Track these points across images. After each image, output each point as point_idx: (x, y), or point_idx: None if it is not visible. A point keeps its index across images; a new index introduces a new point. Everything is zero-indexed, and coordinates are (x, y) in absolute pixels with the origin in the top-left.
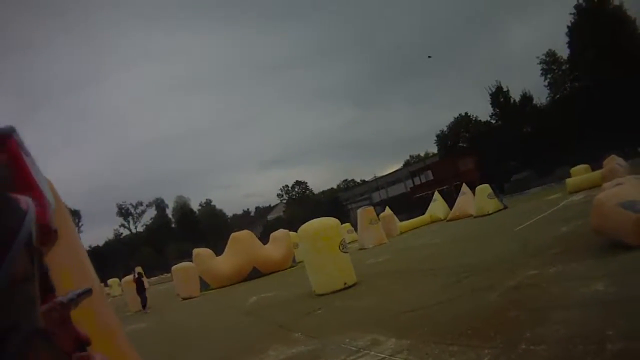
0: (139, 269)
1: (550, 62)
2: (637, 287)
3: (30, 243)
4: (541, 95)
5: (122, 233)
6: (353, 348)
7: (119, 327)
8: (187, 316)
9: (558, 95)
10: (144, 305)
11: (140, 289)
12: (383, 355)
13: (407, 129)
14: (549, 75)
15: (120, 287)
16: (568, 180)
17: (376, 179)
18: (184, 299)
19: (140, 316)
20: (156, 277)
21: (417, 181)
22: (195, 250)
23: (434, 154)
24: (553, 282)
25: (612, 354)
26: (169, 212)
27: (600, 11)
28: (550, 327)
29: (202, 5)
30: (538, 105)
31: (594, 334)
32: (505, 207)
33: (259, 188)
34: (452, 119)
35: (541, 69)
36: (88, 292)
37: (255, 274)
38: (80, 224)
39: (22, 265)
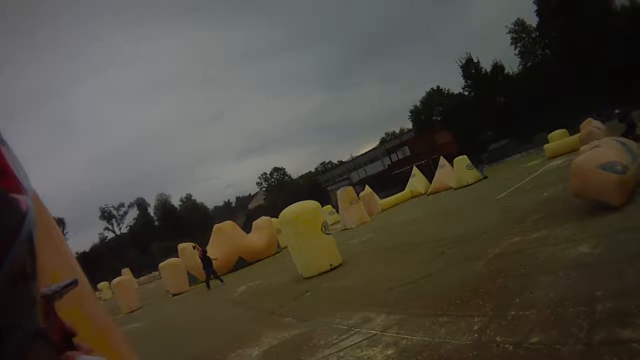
0: (195, 245)
1: (519, 31)
2: (623, 247)
3: (30, 243)
4: (513, 65)
5: (107, 236)
6: (344, 327)
7: (114, 326)
8: (179, 312)
9: (529, 63)
10: (216, 278)
11: (207, 265)
12: (374, 332)
13: (381, 107)
14: (519, 44)
15: (111, 290)
16: (546, 145)
17: (353, 159)
18: (174, 294)
19: (134, 316)
20: (145, 277)
21: (394, 158)
22: (181, 246)
23: (409, 130)
24: (537, 247)
25: (602, 314)
26: (151, 210)
27: None
28: (538, 292)
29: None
30: (510, 74)
31: (582, 296)
32: (485, 177)
33: (238, 178)
34: (424, 94)
35: (511, 38)
36: (73, 283)
37: (241, 263)
38: (65, 231)
39: (23, 266)
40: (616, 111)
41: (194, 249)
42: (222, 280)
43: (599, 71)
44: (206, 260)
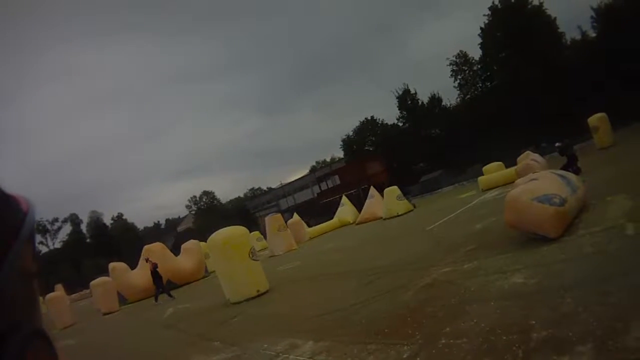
0: (147, 257)
1: (460, 63)
2: (559, 277)
3: (31, 242)
4: (451, 97)
5: (40, 250)
6: (272, 353)
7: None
8: (110, 331)
9: (469, 96)
10: (160, 294)
11: (157, 279)
12: (303, 358)
13: (313, 135)
14: (459, 76)
15: (45, 304)
16: (480, 178)
17: (283, 186)
18: (105, 314)
19: (66, 333)
20: (77, 294)
21: (324, 186)
22: (111, 265)
23: (340, 159)
24: (469, 277)
25: (537, 341)
26: (83, 227)
27: (517, 11)
28: (470, 321)
29: (107, 16)
30: (448, 106)
31: (516, 325)
32: (414, 207)
33: (168, 200)
34: (358, 124)
35: (451, 71)
36: None
37: (169, 285)
38: None
39: (23, 265)
40: (557, 144)
41: (147, 261)
42: (171, 296)
43: (543, 104)
44: (156, 275)
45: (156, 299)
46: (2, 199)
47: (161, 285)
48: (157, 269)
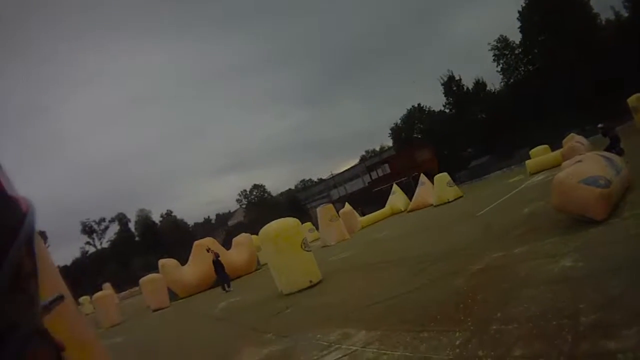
0: (209, 248)
1: (502, 48)
2: (606, 260)
3: (30, 243)
4: (495, 81)
5: (88, 251)
6: (325, 343)
7: (96, 339)
8: (160, 327)
9: (512, 80)
10: (228, 284)
11: (219, 269)
12: (355, 348)
13: (361, 125)
14: (501, 61)
15: (92, 304)
16: (528, 161)
17: (333, 177)
18: (155, 310)
19: (114, 331)
20: (125, 292)
21: (374, 175)
22: (161, 262)
23: (389, 148)
24: (519, 262)
25: (586, 326)
26: (131, 225)
27: None
28: (520, 306)
29: (146, 17)
30: (492, 90)
31: (566, 309)
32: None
33: (218, 195)
34: (405, 112)
35: (493, 55)
36: (59, 298)
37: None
38: (47, 245)
39: (22, 266)
40: (599, 125)
41: (208, 251)
42: (229, 287)
43: (583, 86)
44: (218, 264)
45: (223, 288)
46: (1, 200)
47: (223, 274)
48: (219, 259)
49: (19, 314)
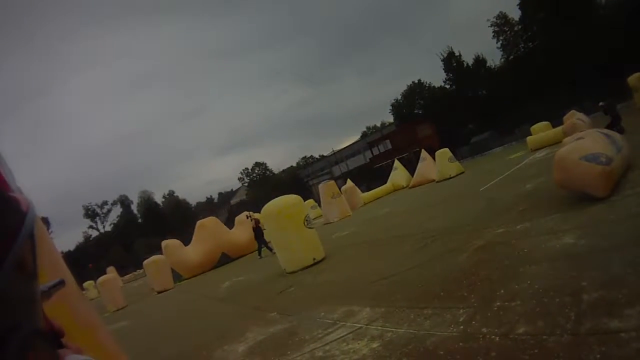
0: (249, 214)
1: (501, 25)
2: (607, 237)
3: (31, 242)
4: (495, 58)
5: (91, 235)
6: (329, 321)
7: (100, 322)
8: (164, 309)
9: (512, 57)
10: (271, 249)
11: (259, 235)
12: (359, 325)
13: (362, 101)
14: (501, 37)
15: (96, 288)
16: (529, 138)
17: (334, 153)
18: (159, 292)
19: (120, 315)
20: (129, 275)
21: (375, 151)
22: (164, 242)
23: (390, 124)
24: (522, 238)
25: (588, 304)
26: (134, 207)
27: None
28: (523, 283)
29: None
30: (492, 67)
31: (568, 286)
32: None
33: (219, 174)
34: (405, 88)
35: (493, 32)
36: (60, 283)
37: (224, 259)
38: (50, 230)
39: (24, 265)
40: (600, 103)
41: (248, 218)
42: (273, 251)
43: (582, 64)
44: (258, 231)
45: (259, 254)
46: (2, 200)
47: (263, 241)
48: (260, 225)
49: (20, 314)
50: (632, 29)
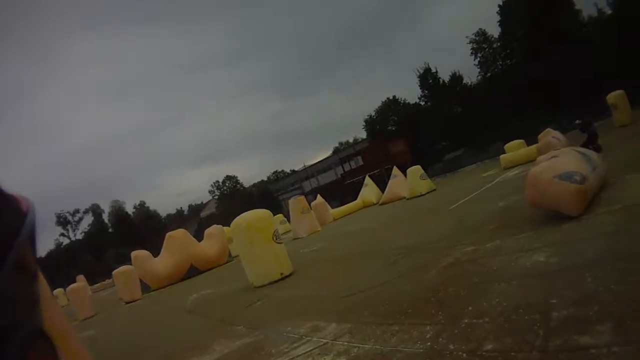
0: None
1: (480, 41)
2: (579, 255)
3: (32, 243)
4: (472, 75)
5: (62, 242)
6: (295, 336)
7: (73, 330)
8: (132, 319)
9: (489, 74)
10: None
11: None
12: (325, 340)
13: (335, 117)
14: (479, 55)
15: (66, 296)
16: (502, 156)
17: (306, 168)
18: (128, 302)
19: (88, 324)
20: (99, 284)
21: (347, 167)
22: (134, 253)
23: (363, 140)
24: (491, 256)
25: (558, 321)
26: (105, 217)
27: None
28: (492, 300)
29: (122, 5)
30: (469, 84)
31: (537, 304)
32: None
33: (190, 186)
34: (380, 104)
35: (471, 49)
36: None
37: (193, 271)
38: None
39: (24, 265)
40: (577, 121)
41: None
42: None
43: (561, 82)
44: None
45: None
46: (2, 199)
47: None
48: None
49: (21, 314)
50: (613, 47)
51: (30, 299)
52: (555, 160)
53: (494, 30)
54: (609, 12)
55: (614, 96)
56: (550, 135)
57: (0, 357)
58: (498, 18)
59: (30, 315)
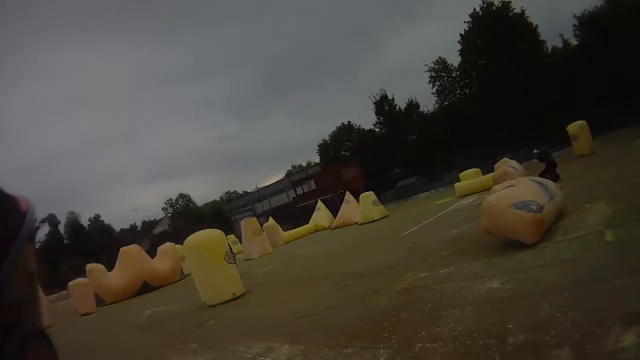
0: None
1: (439, 70)
2: (535, 282)
3: (31, 242)
4: (429, 103)
5: None
6: (249, 356)
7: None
8: (87, 333)
9: (446, 102)
10: None
11: None
12: None
13: (289, 140)
14: (437, 83)
15: None
16: (457, 184)
17: (258, 190)
18: (83, 315)
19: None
20: (54, 295)
21: (299, 191)
22: (89, 266)
23: (316, 164)
24: (445, 282)
25: (514, 346)
26: (61, 228)
27: (499, 19)
28: (446, 325)
29: (79, 17)
30: (425, 112)
31: (493, 329)
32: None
33: (144, 202)
34: (334, 129)
35: (430, 77)
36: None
37: (146, 287)
38: None
39: (24, 265)
40: (535, 150)
41: None
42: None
43: (520, 112)
44: None
45: None
46: (1, 199)
47: None
48: None
49: (20, 314)
50: (574, 78)
51: (30, 299)
52: (511, 189)
53: (454, 59)
54: (575, 42)
55: (576, 126)
56: (506, 164)
57: None
58: (459, 47)
59: (29, 316)
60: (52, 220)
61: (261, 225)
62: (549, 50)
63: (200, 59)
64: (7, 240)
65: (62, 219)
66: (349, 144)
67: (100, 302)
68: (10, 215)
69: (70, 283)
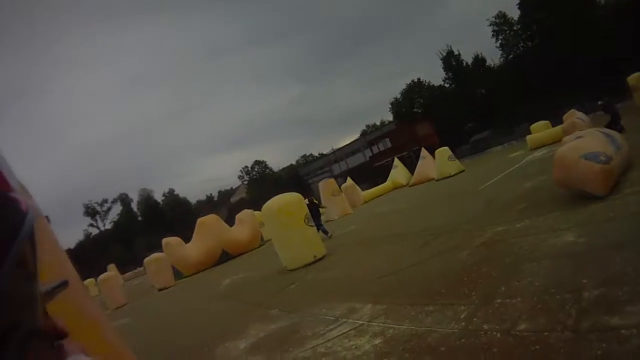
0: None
1: (500, 24)
2: (607, 235)
3: (31, 242)
4: (494, 57)
5: (91, 233)
6: (331, 318)
7: (105, 320)
8: (165, 307)
9: (511, 56)
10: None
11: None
12: (361, 322)
13: (361, 100)
14: (500, 37)
15: (97, 286)
16: (529, 137)
17: (334, 152)
18: (160, 289)
19: (120, 313)
20: (130, 273)
21: (375, 150)
22: (165, 240)
23: (390, 122)
24: (522, 236)
25: (589, 301)
26: (134, 206)
27: None
28: (524, 280)
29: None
30: (492, 66)
31: (568, 284)
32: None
33: (219, 172)
34: (405, 87)
35: (492, 31)
36: (64, 284)
37: (225, 257)
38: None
39: (24, 265)
40: (599, 102)
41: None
42: (328, 234)
43: (582, 64)
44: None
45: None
46: (2, 200)
47: (319, 221)
48: (315, 202)
49: (20, 314)
50: (630, 30)
51: (30, 298)
52: (580, 141)
53: (514, 13)
54: None
55: (635, 78)
56: (574, 116)
57: None
58: (517, 1)
59: (29, 315)
60: (124, 199)
61: (339, 186)
62: (603, 2)
63: (267, 25)
64: (7, 240)
65: (135, 197)
66: (421, 101)
67: (178, 275)
68: (10, 215)
69: (146, 259)
